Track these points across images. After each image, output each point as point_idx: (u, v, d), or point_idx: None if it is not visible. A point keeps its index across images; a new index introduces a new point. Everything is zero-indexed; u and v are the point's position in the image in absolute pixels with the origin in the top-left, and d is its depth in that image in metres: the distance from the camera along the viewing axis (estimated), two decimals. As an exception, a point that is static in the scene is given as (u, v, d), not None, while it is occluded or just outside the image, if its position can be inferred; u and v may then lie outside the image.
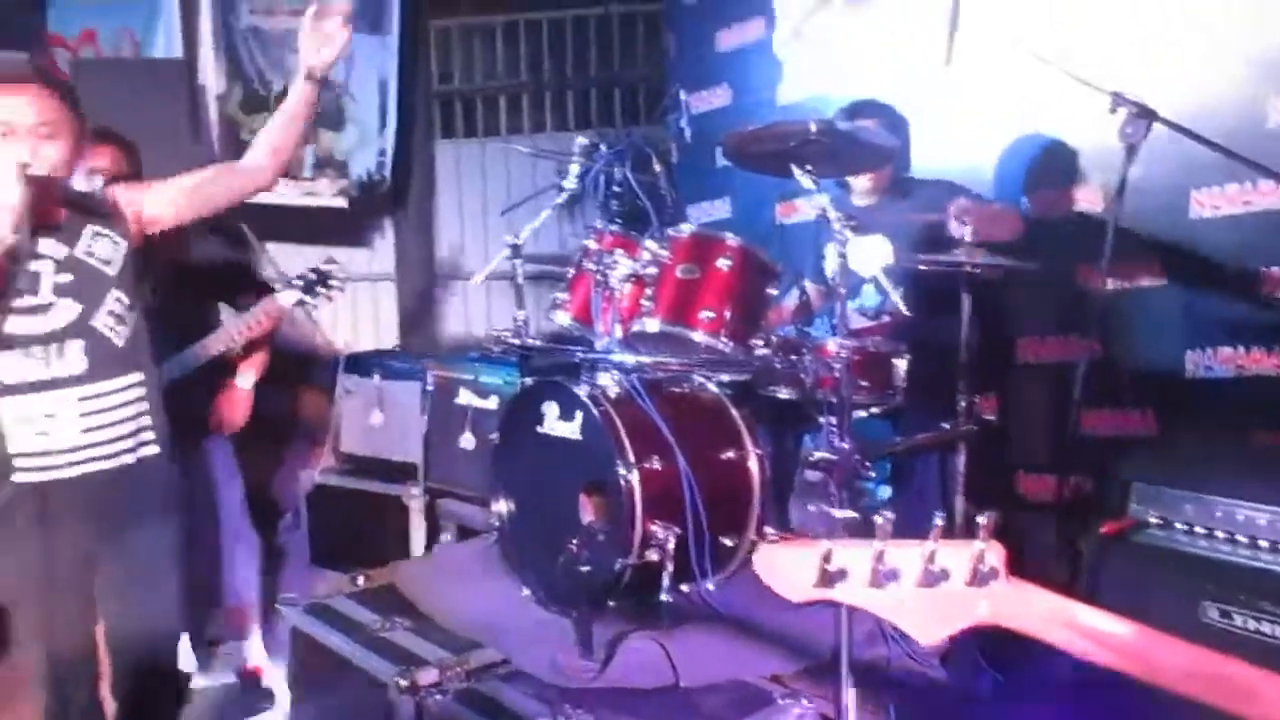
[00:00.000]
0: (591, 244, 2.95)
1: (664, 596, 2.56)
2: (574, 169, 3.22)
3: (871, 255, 2.55)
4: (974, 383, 2.84)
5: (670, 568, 2.57)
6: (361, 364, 4.41)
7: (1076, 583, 2.26)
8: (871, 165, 3.10)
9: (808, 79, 4.15)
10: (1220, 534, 2.02)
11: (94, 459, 2.18)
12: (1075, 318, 3.22)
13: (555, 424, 2.81)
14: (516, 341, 3.11)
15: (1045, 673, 2.42)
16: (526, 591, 2.84)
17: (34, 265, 2.12)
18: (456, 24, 6.10)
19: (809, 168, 2.54)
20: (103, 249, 2.22)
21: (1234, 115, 2.94)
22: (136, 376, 2.24)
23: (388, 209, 6.07)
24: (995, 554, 1.09)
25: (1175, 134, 2.54)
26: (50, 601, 2.16)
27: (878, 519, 1.10)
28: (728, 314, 2.70)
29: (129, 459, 2.23)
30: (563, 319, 3.03)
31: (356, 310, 6.15)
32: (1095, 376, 2.98)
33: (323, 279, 2.96)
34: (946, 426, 2.82)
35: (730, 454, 2.81)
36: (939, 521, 1.09)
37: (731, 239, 2.77)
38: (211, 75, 5.48)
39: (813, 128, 2.47)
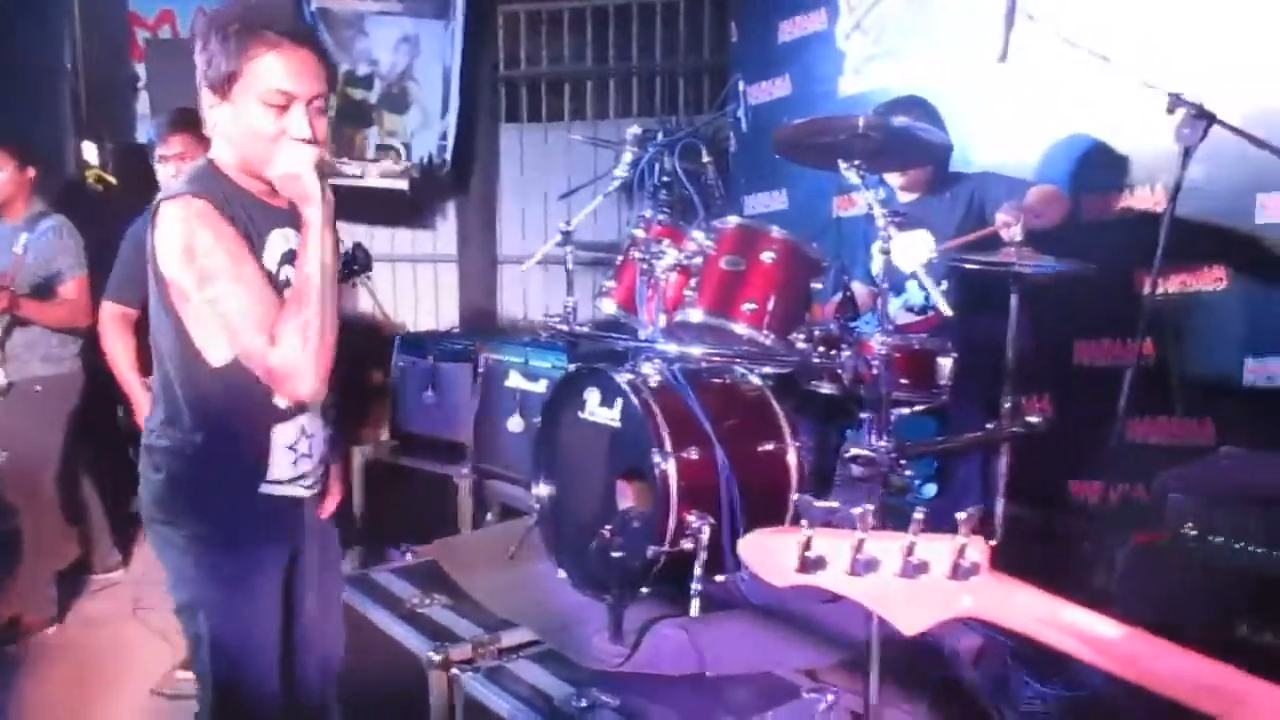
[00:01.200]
0: (639, 233, 2.97)
1: (696, 585, 2.58)
2: (626, 157, 3.24)
3: (913, 251, 2.53)
4: (1022, 384, 2.81)
5: (704, 557, 2.59)
6: (416, 344, 4.49)
7: (1111, 590, 2.23)
8: (921, 161, 3.08)
9: (869, 71, 4.12)
10: (1256, 548, 1.97)
11: (322, 476, 2.09)
12: (1129, 321, 3.16)
13: (596, 410, 2.84)
14: (564, 328, 3.14)
15: (1079, 677, 2.41)
16: (563, 574, 2.88)
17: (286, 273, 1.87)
18: (524, 9, 6.14)
19: (857, 163, 2.52)
20: (330, 248, 1.84)
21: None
22: None
23: (450, 191, 6.16)
24: (977, 549, 1.10)
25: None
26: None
27: (917, 514, 1.12)
28: (770, 307, 2.70)
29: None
30: (609, 307, 3.06)
31: (418, 290, 6.26)
32: (1149, 383, 2.92)
33: (347, 264, 3.00)
34: (990, 427, 2.79)
35: (769, 446, 2.82)
36: (917, 515, 1.11)
37: (776, 232, 2.76)
38: (281, 56, 5.60)
39: (860, 123, 2.45)
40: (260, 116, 1.77)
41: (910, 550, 1.11)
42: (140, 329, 3.10)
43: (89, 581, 4.13)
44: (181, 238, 1.73)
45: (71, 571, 3.99)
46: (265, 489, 1.94)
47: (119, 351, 3.15)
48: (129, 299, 3.13)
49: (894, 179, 3.30)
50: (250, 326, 1.74)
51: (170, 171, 3.01)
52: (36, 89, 4.92)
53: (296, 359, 1.74)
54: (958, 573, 1.10)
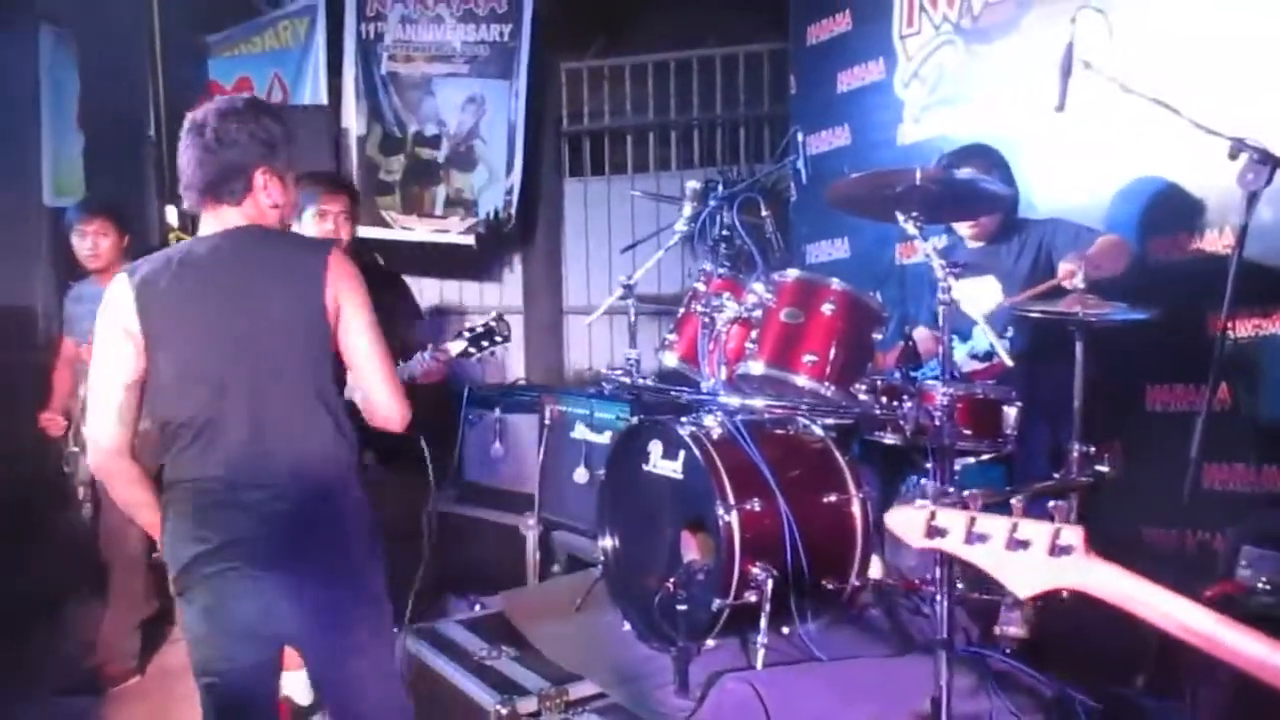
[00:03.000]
0: (700, 286, 3.01)
1: (761, 639, 2.57)
2: (686, 210, 3.29)
3: (980, 298, 2.53)
4: (1091, 431, 2.77)
5: (768, 609, 2.58)
6: (484, 396, 4.57)
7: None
8: (981, 211, 3.07)
9: (927, 120, 4.12)
10: (1335, 603, 1.91)
11: None
12: (1202, 366, 3.10)
13: (660, 462, 2.86)
14: (627, 380, 3.18)
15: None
16: (628, 626, 2.89)
17: None
18: (586, 66, 6.28)
19: (915, 214, 2.53)
20: None
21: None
22: None
23: (516, 245, 6.27)
24: (1072, 534, 1.33)
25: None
26: None
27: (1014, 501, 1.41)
28: (831, 358, 2.70)
29: None
30: (670, 360, 3.09)
31: (485, 343, 6.34)
32: (1225, 429, 2.85)
33: (490, 334, 3.10)
34: (1057, 476, 2.76)
35: (833, 497, 2.81)
36: (1015, 502, 1.39)
37: (836, 284, 2.77)
38: (353, 118, 5.81)
39: (918, 175, 2.46)
40: None
41: (1014, 529, 1.35)
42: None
43: (169, 633, 4.22)
44: None
45: (152, 623, 4.09)
46: None
47: None
48: None
49: (962, 227, 3.30)
50: None
51: (329, 227, 3.24)
52: (123, 155, 5.15)
53: None
54: (1055, 551, 1.33)
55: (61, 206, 4.74)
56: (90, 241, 3.85)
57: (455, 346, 3.09)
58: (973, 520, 1.38)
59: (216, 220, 2.16)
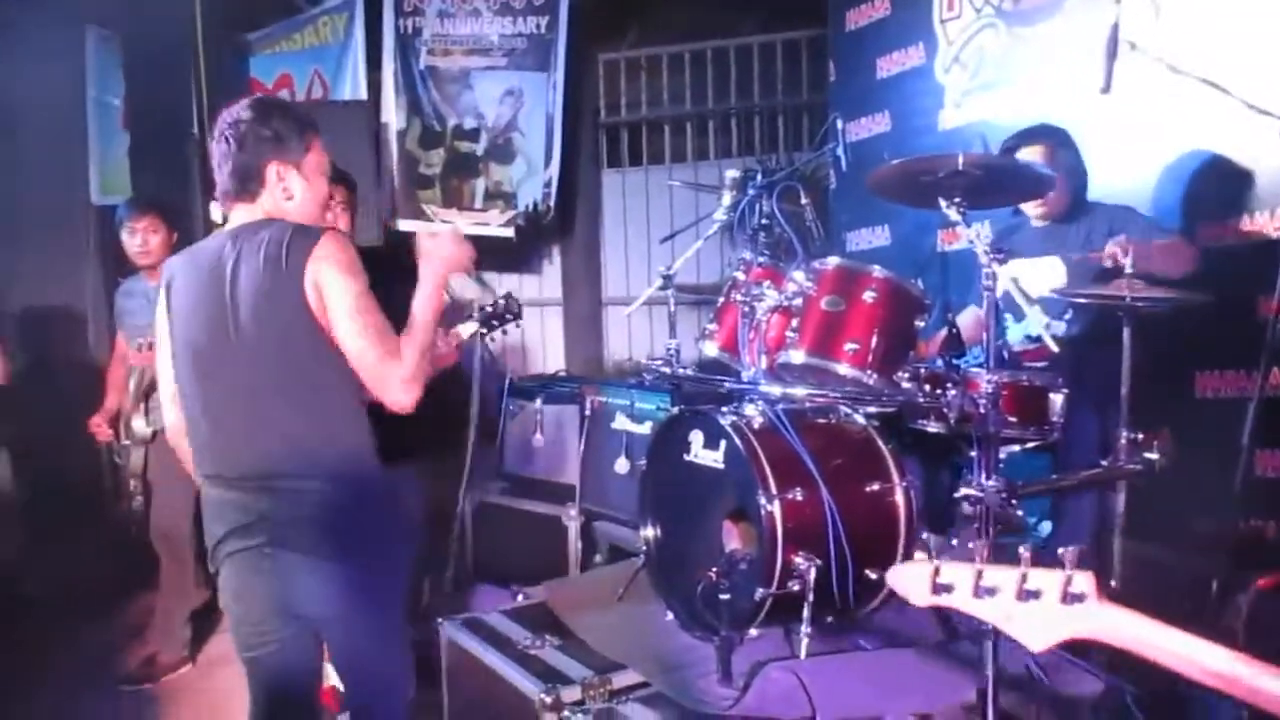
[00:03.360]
0: (740, 275, 2.99)
1: (805, 628, 2.56)
2: (725, 199, 3.28)
3: (1041, 278, 2.49)
4: (1139, 418, 2.73)
5: (811, 598, 2.57)
6: (524, 388, 4.58)
7: (1238, 633, 2.13)
8: (1027, 195, 3.03)
9: (969, 105, 4.08)
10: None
11: None
12: (1254, 351, 3.04)
13: (701, 452, 2.85)
14: (668, 370, 3.17)
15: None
16: (671, 616, 2.89)
17: None
18: (623, 57, 6.27)
19: (957, 200, 2.50)
20: None
21: None
22: None
23: (555, 237, 6.29)
24: (1084, 580, 1.30)
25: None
26: None
27: (1022, 550, 1.36)
28: (873, 346, 2.68)
29: None
30: (711, 349, 3.08)
31: (525, 334, 6.38)
32: (1276, 415, 2.80)
33: (500, 314, 3.11)
34: (1104, 464, 2.72)
35: (875, 486, 2.78)
36: (1023, 551, 1.33)
37: (877, 271, 2.75)
38: (393, 113, 5.85)
39: (960, 161, 2.43)
40: None
41: (1024, 580, 1.32)
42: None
43: (219, 622, 4.29)
44: None
45: (202, 613, 4.16)
46: None
47: None
48: None
49: (1029, 206, 3.27)
50: None
51: (329, 218, 3.28)
52: (167, 154, 5.24)
53: None
54: (1067, 599, 1.30)
55: (108, 205, 4.83)
56: (140, 238, 3.92)
57: (467, 329, 3.09)
58: (979, 574, 1.34)
59: (243, 214, 2.25)
